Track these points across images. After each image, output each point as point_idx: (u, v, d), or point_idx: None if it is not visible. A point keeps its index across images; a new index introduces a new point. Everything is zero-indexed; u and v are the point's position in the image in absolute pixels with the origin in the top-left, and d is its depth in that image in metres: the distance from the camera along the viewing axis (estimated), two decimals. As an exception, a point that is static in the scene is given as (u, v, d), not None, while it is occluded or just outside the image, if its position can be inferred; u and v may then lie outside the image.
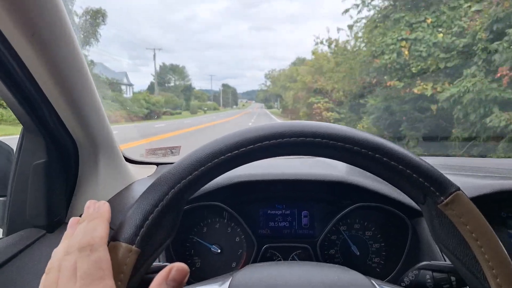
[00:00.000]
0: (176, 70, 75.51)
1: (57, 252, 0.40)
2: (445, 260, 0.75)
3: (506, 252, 0.44)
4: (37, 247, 0.78)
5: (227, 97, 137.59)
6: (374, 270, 0.90)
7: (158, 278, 0.35)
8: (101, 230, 0.38)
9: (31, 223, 0.82)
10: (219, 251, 0.90)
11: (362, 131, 0.48)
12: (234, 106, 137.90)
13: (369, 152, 0.46)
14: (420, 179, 0.45)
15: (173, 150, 1.23)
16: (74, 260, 0.36)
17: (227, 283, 0.53)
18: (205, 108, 67.11)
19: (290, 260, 0.91)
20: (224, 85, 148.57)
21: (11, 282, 0.71)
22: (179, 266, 0.35)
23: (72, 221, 0.44)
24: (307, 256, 0.91)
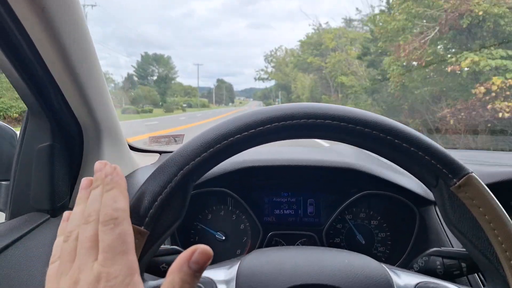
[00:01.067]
0: (160, 61, 66.31)
1: (74, 219, 0.39)
2: (453, 248, 0.75)
3: None
4: (40, 231, 0.77)
5: (221, 94, 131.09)
6: (380, 259, 0.89)
7: (180, 259, 0.33)
8: (123, 202, 0.38)
9: (34, 207, 0.81)
10: (223, 238, 0.90)
11: (373, 113, 0.47)
12: (230, 104, 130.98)
13: (381, 134, 0.45)
14: (433, 161, 0.45)
15: (176, 139, 1.22)
16: (95, 231, 0.35)
17: (236, 267, 0.53)
18: (184, 105, 58.33)
19: None
20: (219, 80, 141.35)
21: (15, 265, 0.70)
22: (203, 249, 0.33)
23: (85, 182, 0.42)
24: (312, 244, 0.90)
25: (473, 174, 0.44)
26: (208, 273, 0.52)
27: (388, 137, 0.45)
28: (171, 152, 1.23)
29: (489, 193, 0.44)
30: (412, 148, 0.45)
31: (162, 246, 0.51)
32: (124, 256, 0.34)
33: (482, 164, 0.96)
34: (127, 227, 0.36)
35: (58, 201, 0.82)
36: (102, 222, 0.35)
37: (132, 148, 1.15)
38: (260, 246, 0.90)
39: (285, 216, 0.93)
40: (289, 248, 0.60)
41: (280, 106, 0.47)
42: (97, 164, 0.42)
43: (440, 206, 0.48)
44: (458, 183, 0.44)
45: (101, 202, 0.37)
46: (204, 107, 74.58)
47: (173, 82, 71.78)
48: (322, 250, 0.59)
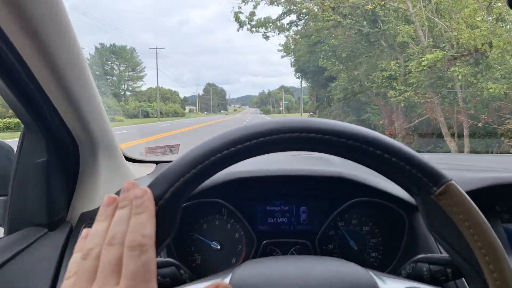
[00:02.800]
0: (121, 54, 50.06)
1: (94, 236, 0.37)
2: (441, 253, 0.76)
3: (498, 240, 0.45)
4: (38, 246, 0.78)
5: (210, 99, 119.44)
6: (372, 264, 0.91)
7: None
8: (151, 229, 0.37)
9: (32, 222, 0.82)
10: (219, 247, 0.91)
11: (355, 125, 0.49)
12: (222, 111, 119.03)
13: (363, 146, 0.47)
14: (413, 170, 0.46)
15: (172, 149, 1.24)
16: (119, 254, 0.35)
17: (228, 279, 0.54)
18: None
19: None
20: (210, 85, 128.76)
21: (14, 280, 0.71)
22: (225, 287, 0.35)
23: (108, 199, 0.41)
24: (305, 251, 0.92)
25: (453, 182, 0.46)
26: (200, 286, 0.54)
27: (370, 148, 0.47)
28: (168, 161, 1.25)
29: (469, 200, 0.46)
30: (393, 159, 0.46)
31: (157, 259, 0.53)
32: (147, 284, 0.33)
33: (463, 170, 0.98)
34: (152, 256, 0.35)
35: (56, 215, 0.83)
36: (128, 247, 0.34)
37: (128, 159, 1.17)
38: (255, 255, 0.91)
39: (278, 225, 0.95)
40: (279, 259, 0.61)
41: (266, 122, 0.49)
42: (126, 184, 0.41)
43: (422, 214, 0.50)
44: (438, 191, 0.45)
45: (129, 225, 0.36)
46: (176, 116, 54.48)
47: (140, 83, 54.05)
48: (311, 259, 0.60)
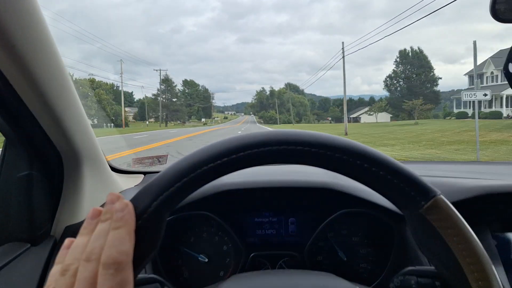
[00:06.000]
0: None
1: (74, 251, 0.36)
2: (430, 265, 0.76)
3: (487, 255, 0.45)
4: (21, 261, 0.77)
5: (195, 102, 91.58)
6: (362, 275, 0.90)
7: None
8: (129, 245, 0.35)
9: (15, 237, 0.80)
10: (206, 260, 0.90)
11: (342, 138, 0.49)
12: (203, 120, 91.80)
13: (350, 159, 0.46)
14: (401, 184, 0.46)
15: (160, 159, 1.23)
16: (94, 271, 0.33)
17: None
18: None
19: (278, 267, 0.91)
20: (187, 82, 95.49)
21: None
22: None
23: (93, 212, 0.39)
24: (295, 263, 0.91)
25: (441, 196, 0.45)
26: None
27: (357, 161, 0.46)
28: (156, 172, 1.23)
29: (457, 214, 0.45)
30: (381, 172, 0.46)
31: (139, 276, 0.52)
32: None
33: (451, 178, 0.98)
34: (129, 275, 0.34)
35: (39, 229, 0.82)
36: (104, 265, 0.33)
37: (115, 170, 1.15)
38: (243, 267, 0.90)
39: (267, 236, 0.94)
40: (267, 273, 0.60)
41: (253, 134, 0.49)
42: (110, 196, 0.40)
43: (410, 228, 0.50)
44: (426, 205, 0.45)
45: (107, 240, 0.35)
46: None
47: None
48: (300, 274, 0.59)
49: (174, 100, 74.85)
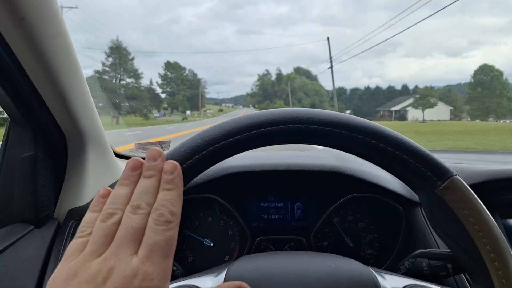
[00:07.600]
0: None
1: (116, 201, 0.36)
2: (439, 249, 0.76)
3: (503, 236, 0.44)
4: (24, 243, 0.76)
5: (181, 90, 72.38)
6: (368, 261, 0.90)
7: None
8: (178, 207, 0.36)
9: (18, 218, 0.79)
10: (211, 244, 0.89)
11: (358, 118, 0.48)
12: (188, 112, 74.27)
13: (366, 138, 0.45)
14: (418, 164, 0.45)
15: (163, 145, 1.21)
16: (143, 224, 0.33)
17: (223, 274, 0.52)
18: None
19: None
20: (171, 65, 77.69)
21: None
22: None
23: (133, 163, 0.38)
24: (300, 248, 0.90)
25: (457, 176, 0.45)
26: (195, 281, 0.52)
27: (373, 141, 0.45)
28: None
29: (474, 195, 0.45)
30: (397, 152, 0.45)
31: None
32: (165, 261, 0.32)
33: (462, 164, 0.97)
34: (176, 234, 0.35)
35: (42, 211, 0.81)
36: (156, 220, 0.34)
37: (118, 155, 1.14)
38: (249, 252, 0.89)
39: (273, 221, 0.93)
40: (276, 254, 0.59)
41: (265, 112, 0.47)
42: (152, 152, 0.39)
43: (425, 209, 0.49)
44: (442, 185, 0.44)
45: (157, 199, 0.35)
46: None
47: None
48: (309, 254, 0.59)
49: (130, 81, 49.85)
